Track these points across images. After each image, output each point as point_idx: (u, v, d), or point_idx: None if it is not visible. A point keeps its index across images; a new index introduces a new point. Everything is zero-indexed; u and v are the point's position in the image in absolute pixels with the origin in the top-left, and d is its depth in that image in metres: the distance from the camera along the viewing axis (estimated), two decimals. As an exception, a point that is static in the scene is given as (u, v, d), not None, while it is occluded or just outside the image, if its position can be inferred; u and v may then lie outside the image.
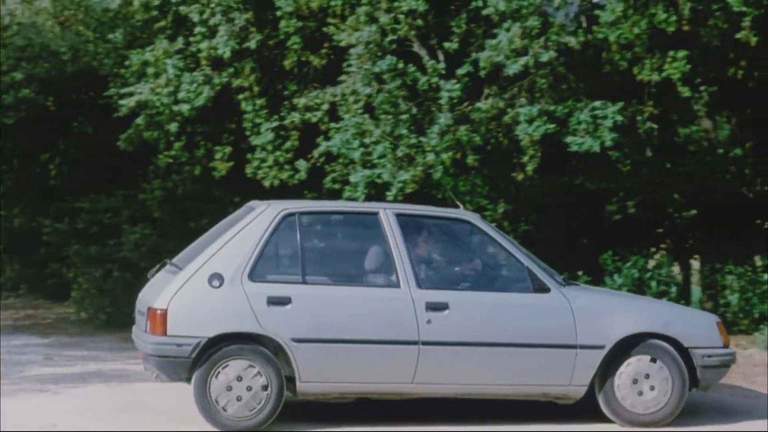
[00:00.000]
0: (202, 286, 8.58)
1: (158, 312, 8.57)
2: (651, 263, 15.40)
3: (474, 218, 9.50)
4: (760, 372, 12.10)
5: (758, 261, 15.99)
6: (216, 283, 8.56)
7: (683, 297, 15.29)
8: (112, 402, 9.79)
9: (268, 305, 8.60)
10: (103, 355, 12.94)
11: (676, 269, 16.34)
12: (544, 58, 13.33)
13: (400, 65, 13.72)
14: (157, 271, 9.43)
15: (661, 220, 17.31)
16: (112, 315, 15.93)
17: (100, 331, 15.27)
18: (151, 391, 10.31)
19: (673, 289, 14.85)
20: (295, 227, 8.89)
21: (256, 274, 8.66)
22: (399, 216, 9.12)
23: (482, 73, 13.79)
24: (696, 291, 16.88)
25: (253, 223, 8.82)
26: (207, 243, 9.00)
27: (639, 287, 14.03)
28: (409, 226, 9.11)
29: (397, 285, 8.80)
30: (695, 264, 17.73)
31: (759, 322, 14.27)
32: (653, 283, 14.50)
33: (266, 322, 8.58)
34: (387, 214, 9.07)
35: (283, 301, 8.63)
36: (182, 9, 15.06)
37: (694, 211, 16.61)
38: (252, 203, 9.47)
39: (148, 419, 9.07)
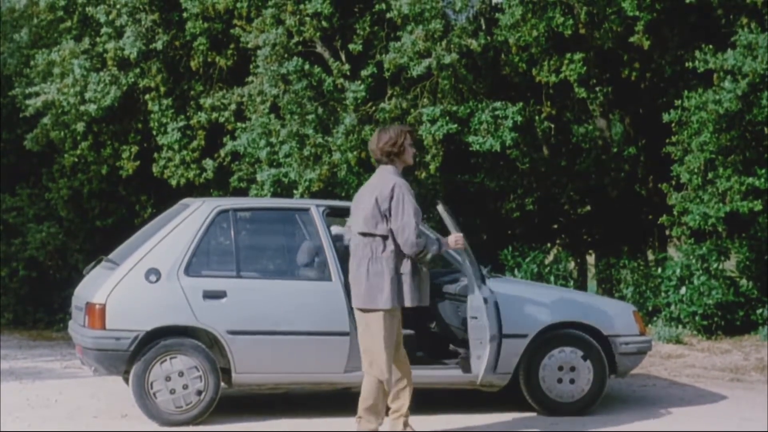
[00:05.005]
0: (140, 281, 8.66)
1: (97, 306, 8.63)
2: (548, 258, 15.69)
3: None
4: (658, 362, 12.52)
5: (650, 255, 16.43)
6: (153, 278, 8.66)
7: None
8: (26, 398, 9.86)
9: (204, 299, 8.71)
10: (12, 353, 12.97)
11: (572, 264, 16.64)
12: (447, 60, 13.58)
13: (306, 66, 13.94)
14: (93, 267, 9.49)
15: (557, 217, 17.73)
16: (19, 313, 15.93)
17: (8, 329, 15.24)
18: (62, 387, 10.44)
19: (571, 283, 15.15)
20: (229, 223, 9.02)
21: (191, 269, 8.77)
22: (329, 211, 9.26)
23: (386, 75, 14.07)
24: (592, 285, 17.27)
25: (188, 220, 8.91)
26: (143, 240, 9.09)
27: (538, 282, 14.23)
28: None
29: (328, 278, 8.93)
30: (591, 259, 18.16)
31: (653, 315, 14.63)
32: (551, 278, 14.77)
33: (202, 315, 8.70)
34: (317, 210, 9.18)
35: (218, 295, 8.75)
36: (89, 10, 15.11)
37: (587, 208, 16.98)
38: (186, 201, 9.60)
39: (63, 414, 9.17)
